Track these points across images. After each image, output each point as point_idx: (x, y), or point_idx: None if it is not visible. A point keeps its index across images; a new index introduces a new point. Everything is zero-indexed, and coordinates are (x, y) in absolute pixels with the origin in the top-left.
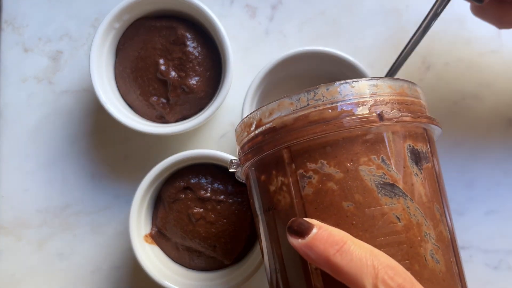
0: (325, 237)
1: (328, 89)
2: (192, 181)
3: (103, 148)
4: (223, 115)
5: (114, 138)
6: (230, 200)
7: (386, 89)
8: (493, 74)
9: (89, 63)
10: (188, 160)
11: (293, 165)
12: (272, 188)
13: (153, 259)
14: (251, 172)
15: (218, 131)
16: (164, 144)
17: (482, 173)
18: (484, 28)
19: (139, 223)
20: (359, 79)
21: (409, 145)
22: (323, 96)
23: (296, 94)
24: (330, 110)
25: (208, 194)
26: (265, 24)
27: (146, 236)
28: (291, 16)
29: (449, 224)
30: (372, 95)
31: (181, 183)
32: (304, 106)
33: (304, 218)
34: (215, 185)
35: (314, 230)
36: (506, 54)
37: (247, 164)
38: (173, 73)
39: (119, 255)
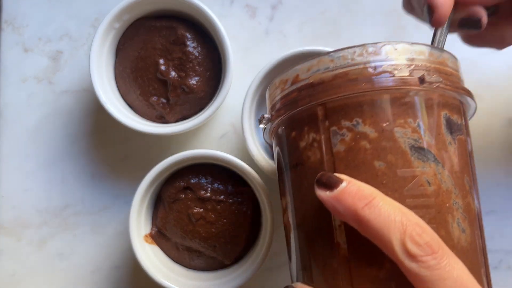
0: (354, 191)
1: (370, 49)
2: (192, 181)
3: (103, 148)
4: (223, 115)
5: (114, 138)
6: (230, 200)
7: (427, 55)
8: (493, 74)
9: (89, 63)
10: (188, 160)
11: (327, 122)
12: (303, 144)
13: (153, 259)
14: (280, 131)
15: (218, 131)
16: (164, 144)
17: (482, 173)
18: None
19: (139, 223)
20: (402, 41)
21: (446, 114)
22: (364, 56)
23: (338, 51)
24: (370, 70)
25: (208, 194)
26: (265, 24)
27: (146, 236)
28: (291, 16)
29: (477, 199)
30: (413, 59)
31: (181, 183)
32: (345, 64)
33: (334, 173)
34: (215, 185)
35: (344, 184)
36: (507, 55)
37: (279, 120)
38: (173, 73)
39: (119, 255)
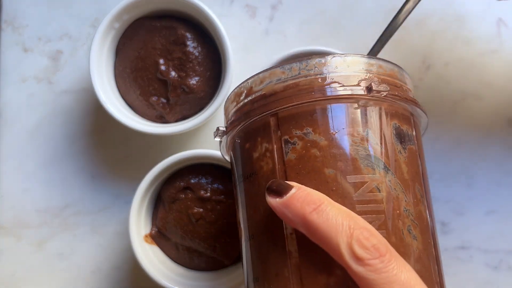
0: (303, 196)
1: (320, 60)
2: (192, 181)
3: (103, 148)
4: (223, 115)
5: (114, 138)
6: (230, 200)
7: (377, 67)
8: (493, 74)
9: (89, 63)
10: (188, 160)
11: (279, 132)
12: (256, 154)
13: (153, 259)
14: (235, 145)
15: None
16: (164, 144)
17: (482, 173)
18: (484, 28)
19: (139, 223)
20: (351, 53)
21: (395, 124)
22: (315, 67)
23: (289, 63)
24: (320, 80)
25: (208, 194)
26: (265, 24)
27: (146, 236)
28: (291, 16)
29: (429, 210)
30: (363, 70)
31: (181, 183)
32: (296, 75)
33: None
34: (215, 185)
35: (293, 190)
36: (506, 54)
37: (233, 133)
38: (173, 73)
39: (119, 255)
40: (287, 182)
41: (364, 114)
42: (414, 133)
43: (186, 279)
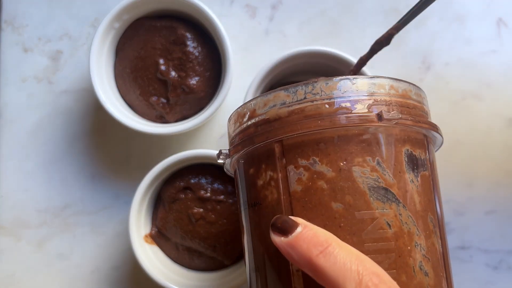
0: (309, 237)
1: (327, 83)
2: (192, 181)
3: (103, 148)
4: (223, 115)
5: (114, 138)
6: (230, 200)
7: (388, 89)
8: (493, 74)
9: (89, 63)
10: (188, 160)
11: (284, 160)
12: (260, 182)
13: (153, 259)
14: (239, 165)
15: (218, 131)
16: (164, 144)
17: (482, 173)
18: (484, 28)
19: (139, 223)
20: (360, 76)
21: (407, 150)
22: (321, 91)
23: (294, 86)
24: (327, 106)
25: (208, 194)
26: (265, 24)
27: (146, 236)
28: (291, 16)
29: (442, 236)
30: (373, 94)
31: (181, 183)
32: (301, 100)
33: (290, 216)
34: (215, 185)
35: (299, 229)
36: (506, 54)
37: (236, 156)
38: (173, 73)
39: (119, 255)
40: (292, 218)
41: (375, 143)
42: (427, 155)
43: (186, 279)
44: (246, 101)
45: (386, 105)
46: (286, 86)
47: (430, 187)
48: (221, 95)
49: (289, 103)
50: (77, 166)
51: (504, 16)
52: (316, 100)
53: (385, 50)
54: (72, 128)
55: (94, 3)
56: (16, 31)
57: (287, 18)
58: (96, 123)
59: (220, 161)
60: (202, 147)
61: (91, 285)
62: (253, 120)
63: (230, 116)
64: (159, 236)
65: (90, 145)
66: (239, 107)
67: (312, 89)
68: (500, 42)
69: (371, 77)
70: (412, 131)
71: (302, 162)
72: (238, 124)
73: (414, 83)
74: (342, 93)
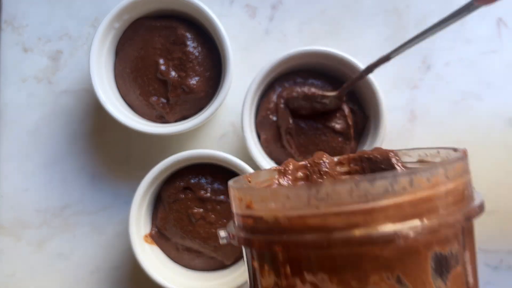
0: None
1: (335, 187)
2: (192, 181)
3: (103, 148)
4: (223, 115)
5: (114, 138)
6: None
7: (412, 186)
8: (493, 74)
9: (89, 63)
10: (188, 160)
11: (288, 268)
12: (264, 283)
13: (152, 259)
14: (244, 248)
15: (218, 131)
16: (164, 144)
17: (482, 173)
18: (484, 28)
19: (138, 223)
20: (380, 177)
21: (435, 253)
22: (328, 196)
23: (295, 187)
24: (335, 217)
25: (208, 194)
26: (265, 24)
27: (146, 236)
28: (291, 16)
29: None
30: (394, 195)
31: (181, 183)
32: (303, 204)
33: None
34: (215, 185)
35: None
36: (506, 54)
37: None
38: (173, 73)
39: (119, 255)
40: None
41: (393, 256)
42: (462, 243)
43: (186, 279)
44: (250, 110)
45: (408, 214)
46: (289, 186)
47: (463, 282)
48: (221, 95)
49: (289, 207)
50: (77, 166)
51: (504, 16)
52: (320, 207)
53: (385, 50)
54: (72, 128)
55: (94, 3)
56: (16, 31)
57: (287, 18)
58: (96, 123)
59: (221, 242)
60: (202, 147)
61: (91, 285)
62: (251, 212)
63: (233, 184)
64: (159, 236)
65: (90, 145)
66: (235, 184)
67: (317, 193)
68: (500, 42)
69: (391, 178)
70: (448, 228)
71: (309, 276)
72: (238, 201)
73: (413, 81)
74: (353, 200)
